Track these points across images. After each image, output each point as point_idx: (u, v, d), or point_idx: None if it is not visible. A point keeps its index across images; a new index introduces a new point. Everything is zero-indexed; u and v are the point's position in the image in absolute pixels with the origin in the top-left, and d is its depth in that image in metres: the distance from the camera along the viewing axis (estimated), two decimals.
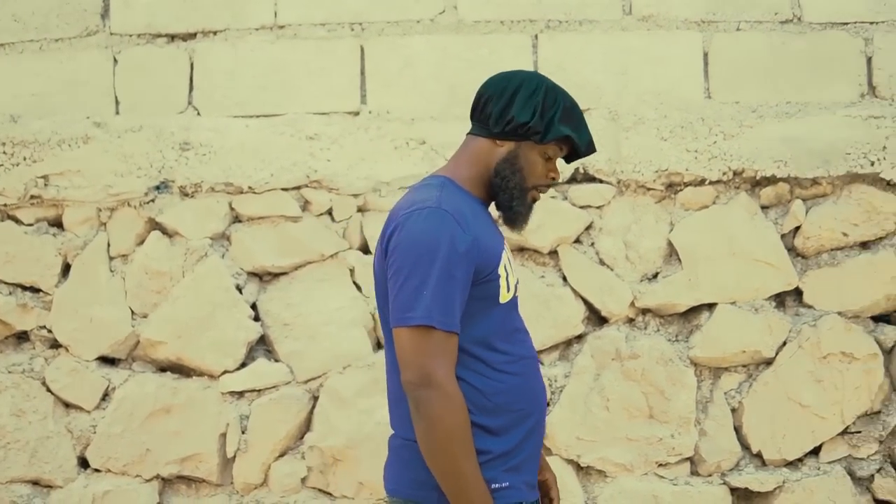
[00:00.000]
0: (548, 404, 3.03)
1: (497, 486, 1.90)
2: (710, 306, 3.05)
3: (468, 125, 3.05)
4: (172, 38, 3.14)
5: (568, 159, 2.11)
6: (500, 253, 1.98)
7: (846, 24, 3.13)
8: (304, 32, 3.09)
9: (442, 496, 1.87)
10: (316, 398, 3.04)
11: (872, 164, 3.06)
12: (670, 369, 3.01)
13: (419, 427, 1.85)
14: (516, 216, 2.04)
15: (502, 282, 1.96)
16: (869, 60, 3.13)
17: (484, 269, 1.91)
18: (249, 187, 3.04)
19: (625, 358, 3.00)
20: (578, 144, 2.05)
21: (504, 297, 1.97)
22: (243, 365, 3.05)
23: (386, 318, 1.98)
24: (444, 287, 1.84)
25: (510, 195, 2.01)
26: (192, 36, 3.13)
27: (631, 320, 3.06)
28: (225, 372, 3.04)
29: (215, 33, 3.12)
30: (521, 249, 3.06)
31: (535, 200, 2.06)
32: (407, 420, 1.92)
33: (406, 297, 1.85)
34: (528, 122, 1.98)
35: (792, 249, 3.09)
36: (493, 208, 2.07)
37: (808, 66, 3.10)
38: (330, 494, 3.03)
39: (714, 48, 3.10)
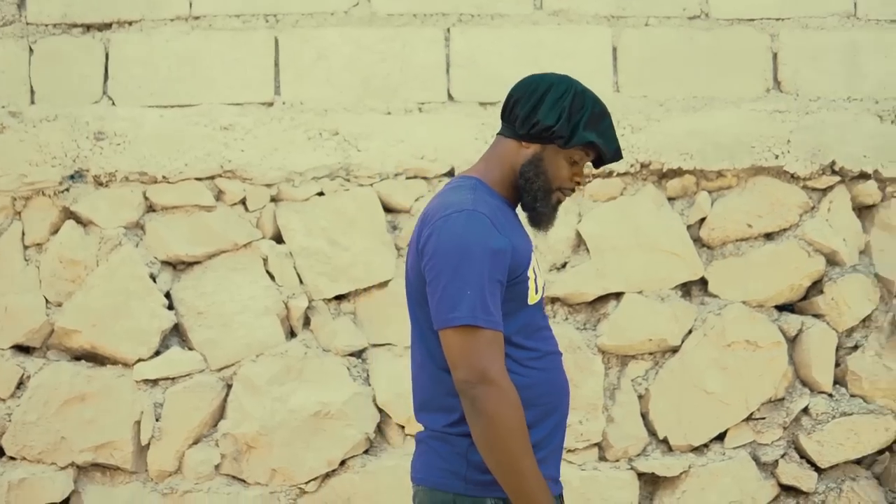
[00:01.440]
0: None
1: None
2: (618, 295, 3.12)
3: (381, 116, 3.12)
4: (88, 28, 3.15)
5: (596, 164, 2.11)
6: (530, 255, 2.02)
7: (752, 20, 3.20)
8: (218, 23, 3.12)
9: (468, 486, 1.92)
10: (229, 386, 3.07)
11: (777, 157, 3.14)
12: (578, 357, 3.07)
13: (477, 424, 1.87)
14: (540, 217, 2.07)
15: (531, 283, 2.00)
16: (775, 56, 3.21)
17: (515, 271, 1.95)
18: (163, 177, 3.07)
19: None
20: (604, 151, 2.06)
21: (532, 298, 2.01)
22: (157, 353, 3.07)
23: (416, 315, 2.03)
24: (486, 287, 1.88)
25: (534, 196, 2.04)
26: (108, 26, 3.15)
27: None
28: (139, 360, 3.06)
29: (130, 24, 3.14)
30: None
31: (559, 202, 2.08)
32: (442, 413, 1.97)
33: (450, 298, 1.88)
34: (553, 126, 1.99)
35: (698, 240, 3.16)
36: (519, 209, 2.10)
37: (715, 62, 3.17)
38: (243, 481, 3.06)
39: (623, 43, 3.16)
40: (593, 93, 2.04)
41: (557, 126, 1.98)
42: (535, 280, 2.02)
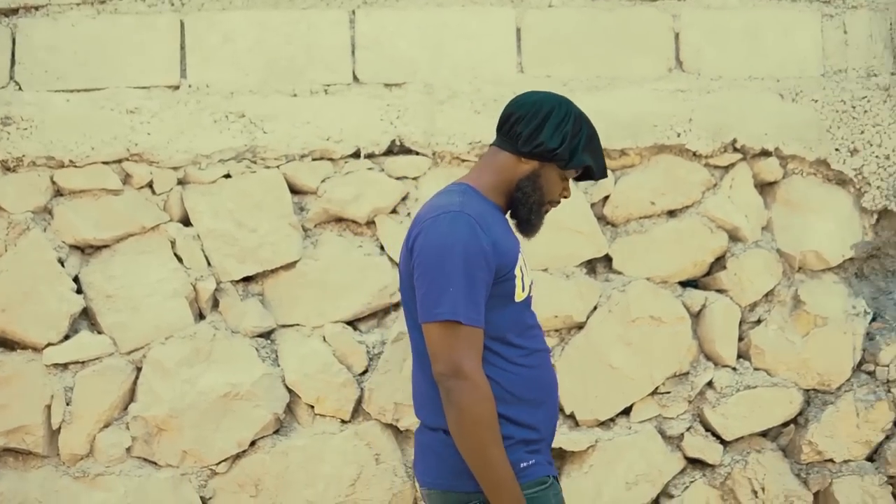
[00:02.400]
0: (366, 371, 3.11)
1: (525, 464, 2.10)
2: None
3: (287, 98, 3.14)
4: None
5: (578, 179, 2.33)
6: (516, 255, 2.17)
7: (655, 0, 3.25)
8: (124, 7, 3.12)
9: (475, 482, 2.04)
10: (139, 369, 3.08)
11: (679, 135, 3.19)
12: None
13: (450, 415, 2.02)
14: (531, 227, 2.27)
15: (518, 281, 2.14)
16: (677, 36, 3.26)
17: (502, 269, 2.09)
18: (71, 161, 3.07)
19: None
20: (595, 171, 2.27)
21: (519, 295, 2.15)
22: (67, 337, 3.08)
23: (412, 314, 2.16)
24: (468, 285, 2.02)
25: (529, 209, 2.23)
26: (14, 11, 3.14)
27: None
28: (49, 344, 3.06)
29: (37, 8, 3.14)
30: (338, 220, 3.13)
31: (546, 212, 2.29)
32: (437, 410, 2.09)
33: (434, 294, 2.02)
34: (557, 149, 2.18)
35: (602, 218, 3.21)
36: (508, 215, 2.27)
37: (618, 42, 3.22)
38: (155, 463, 3.08)
39: (526, 24, 3.20)
40: (585, 114, 2.26)
41: (560, 149, 2.18)
42: (522, 278, 2.18)
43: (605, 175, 2.31)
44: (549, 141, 2.17)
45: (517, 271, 2.16)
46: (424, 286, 2.05)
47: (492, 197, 2.21)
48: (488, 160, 2.25)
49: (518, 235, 2.28)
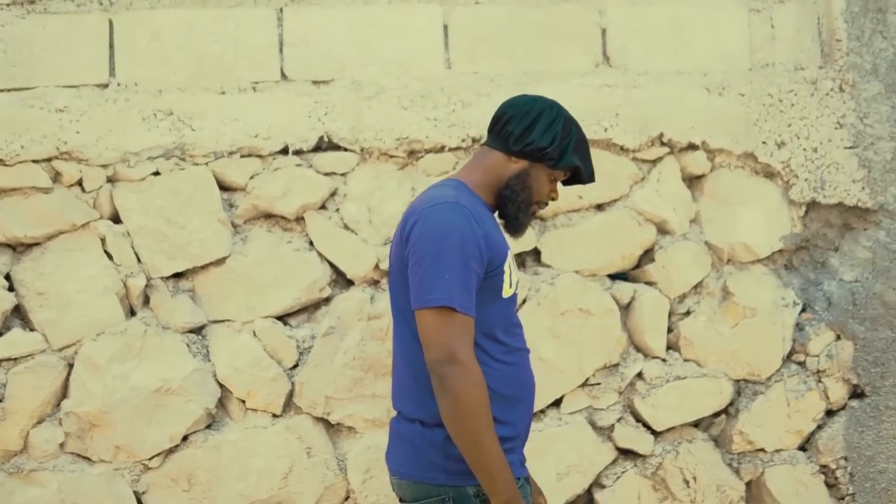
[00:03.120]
0: (297, 365, 3.13)
1: None
2: None
3: (215, 96, 3.16)
4: None
5: (566, 183, 2.38)
6: (506, 251, 2.21)
7: None
8: (53, 7, 3.14)
9: (449, 476, 2.08)
10: (71, 365, 3.10)
11: (606, 129, 3.22)
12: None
13: (444, 401, 2.03)
14: (519, 226, 2.32)
15: (506, 277, 2.19)
16: (603, 32, 3.29)
17: (492, 263, 2.14)
18: (0, 160, 3.09)
19: (371, 318, 3.12)
20: (583, 174, 2.33)
21: (506, 291, 2.20)
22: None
23: (399, 304, 2.19)
24: (463, 273, 2.05)
25: (517, 207, 2.28)
26: None
27: (376, 282, 3.17)
28: None
29: None
30: (268, 216, 3.16)
31: (534, 213, 2.34)
32: (416, 401, 2.14)
33: (429, 281, 2.04)
34: (547, 148, 2.24)
35: None
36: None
37: (545, 38, 3.25)
38: (88, 459, 3.09)
39: (454, 20, 3.23)
40: (575, 119, 2.32)
41: (550, 149, 2.24)
42: (510, 275, 2.23)
43: (593, 179, 2.36)
44: (539, 140, 2.23)
45: (506, 267, 2.20)
46: (419, 273, 2.07)
47: (481, 194, 2.27)
48: (479, 159, 2.31)
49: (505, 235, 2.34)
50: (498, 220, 2.35)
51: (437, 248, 2.06)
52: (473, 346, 2.09)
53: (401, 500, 2.26)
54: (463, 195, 2.18)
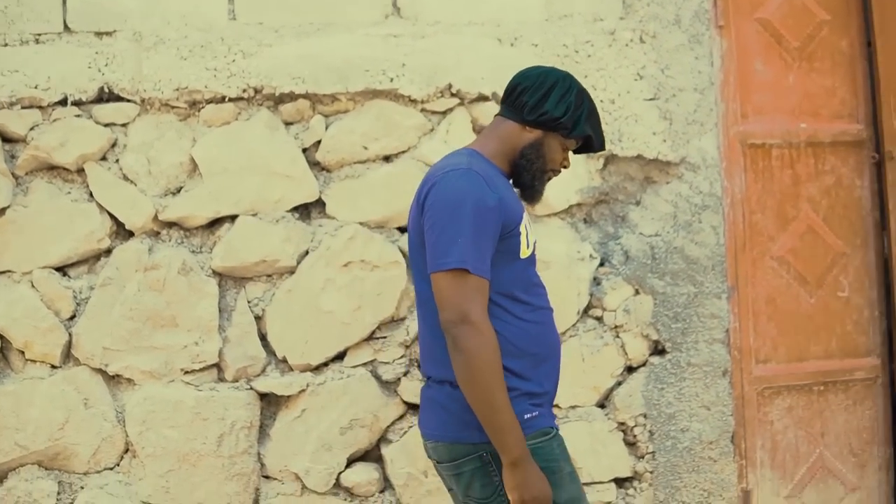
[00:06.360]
0: (74, 316, 3.13)
1: (529, 415, 2.19)
2: (233, 218, 3.17)
3: None
4: None
5: (577, 151, 2.45)
6: (521, 213, 2.28)
7: None
8: None
9: (483, 433, 2.11)
10: None
11: (391, 80, 3.19)
12: (192, 279, 3.12)
13: (457, 361, 2.10)
14: (535, 193, 2.39)
15: (522, 238, 2.26)
16: None
17: (508, 225, 2.20)
18: None
19: (148, 269, 3.11)
20: (595, 143, 2.40)
21: (524, 252, 2.27)
22: None
23: (420, 270, 2.26)
24: (476, 237, 2.12)
25: (532, 175, 2.34)
26: None
27: (156, 233, 3.17)
28: None
29: None
30: (50, 168, 3.15)
31: (549, 180, 2.39)
32: (442, 363, 2.18)
33: (444, 244, 2.12)
34: (561, 118, 2.31)
35: (316, 164, 3.22)
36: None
37: None
38: None
39: None
40: (587, 90, 2.38)
41: (564, 118, 2.31)
42: (527, 236, 2.29)
43: (603, 147, 2.43)
44: (553, 110, 2.29)
45: (521, 228, 2.25)
46: (434, 237, 2.14)
47: (497, 163, 2.33)
48: (493, 129, 2.37)
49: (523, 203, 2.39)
50: (513, 188, 2.40)
51: (451, 214, 2.12)
52: (490, 311, 2.14)
53: (438, 463, 2.31)
54: (476, 162, 2.24)
